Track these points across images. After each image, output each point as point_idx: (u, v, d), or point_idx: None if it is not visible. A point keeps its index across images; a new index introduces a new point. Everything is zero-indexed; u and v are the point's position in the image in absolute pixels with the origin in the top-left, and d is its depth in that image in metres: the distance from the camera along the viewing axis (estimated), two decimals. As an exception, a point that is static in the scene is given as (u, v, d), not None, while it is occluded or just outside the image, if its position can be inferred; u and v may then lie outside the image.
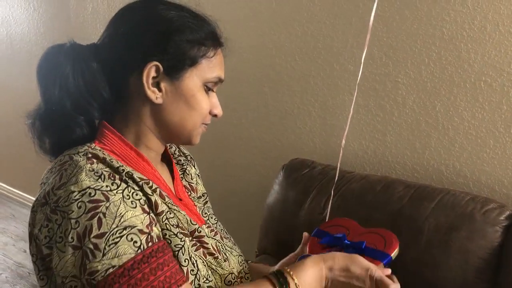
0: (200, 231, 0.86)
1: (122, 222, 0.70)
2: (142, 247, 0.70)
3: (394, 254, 0.89)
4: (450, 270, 1.32)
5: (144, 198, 0.76)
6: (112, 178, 0.74)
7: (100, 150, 0.79)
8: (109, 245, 0.68)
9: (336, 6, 1.72)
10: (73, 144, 0.80)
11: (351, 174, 1.61)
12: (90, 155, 0.76)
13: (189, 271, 0.78)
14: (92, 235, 0.68)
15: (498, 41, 1.42)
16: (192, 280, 0.78)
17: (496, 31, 1.42)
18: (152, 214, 0.76)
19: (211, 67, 0.84)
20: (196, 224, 0.86)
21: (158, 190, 0.81)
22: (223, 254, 0.90)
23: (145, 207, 0.75)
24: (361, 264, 0.81)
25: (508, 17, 1.39)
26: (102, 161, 0.76)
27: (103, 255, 0.68)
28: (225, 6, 2.02)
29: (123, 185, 0.74)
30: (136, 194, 0.75)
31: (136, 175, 0.78)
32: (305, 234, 1.01)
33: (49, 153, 0.83)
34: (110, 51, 0.82)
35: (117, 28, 0.83)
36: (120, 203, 0.71)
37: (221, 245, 0.91)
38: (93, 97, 0.80)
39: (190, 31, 0.82)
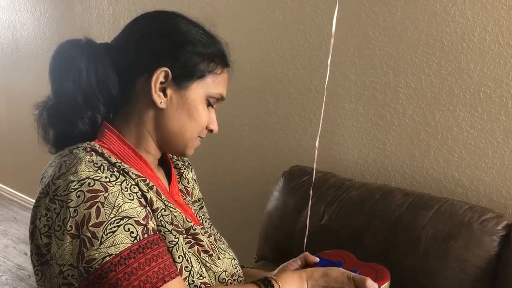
0: (195, 229, 0.88)
1: (120, 212, 0.72)
2: (138, 237, 0.73)
3: (383, 287, 0.92)
4: (447, 279, 1.33)
5: (140, 192, 0.79)
6: (111, 170, 0.76)
7: (99, 147, 0.81)
8: (107, 234, 0.70)
9: (338, 16, 1.74)
10: (74, 139, 0.82)
11: (350, 182, 1.62)
12: (89, 149, 0.78)
13: (183, 267, 0.80)
14: (90, 224, 0.70)
15: (498, 52, 1.44)
16: (186, 277, 0.80)
17: (495, 42, 1.44)
18: (148, 208, 0.78)
19: (216, 83, 0.87)
20: (191, 222, 0.88)
21: (154, 187, 0.83)
22: (217, 254, 0.91)
23: (142, 200, 0.78)
24: (338, 269, 0.88)
25: (507, 29, 1.41)
26: (101, 155, 0.79)
27: (101, 243, 0.70)
28: (228, 14, 2.05)
29: (122, 178, 0.77)
30: (134, 187, 0.78)
31: (133, 171, 0.81)
32: (307, 254, 1.02)
33: (51, 144, 0.85)
34: (123, 51, 0.85)
35: (133, 31, 0.87)
36: (119, 194, 0.74)
37: (215, 247, 0.93)
38: (102, 94, 0.83)
39: (202, 45, 0.85)
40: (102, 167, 0.75)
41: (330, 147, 1.85)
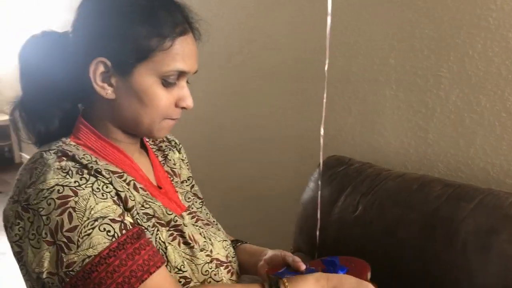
0: (177, 221, 0.85)
1: (93, 214, 0.71)
2: (116, 235, 0.71)
3: None
4: (488, 276, 1.23)
5: (114, 191, 0.76)
6: (80, 173, 0.74)
7: (74, 146, 0.80)
8: (82, 237, 0.70)
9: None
10: (50, 136, 0.81)
11: (388, 172, 1.54)
12: (60, 154, 0.76)
13: None
14: (64, 230, 0.70)
15: (549, 29, 1.30)
16: None
17: (546, 18, 1.30)
18: (121, 207, 0.76)
19: (166, 59, 0.78)
20: (172, 214, 0.85)
21: (132, 182, 0.81)
22: (207, 239, 0.89)
23: (116, 199, 0.76)
24: (352, 279, 0.80)
25: (561, 2, 1.28)
26: (72, 158, 0.76)
27: (78, 247, 0.69)
28: (265, 5, 2.02)
29: (92, 179, 0.74)
30: (107, 187, 0.75)
31: (109, 168, 0.79)
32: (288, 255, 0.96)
33: (33, 142, 0.86)
34: (73, 41, 0.81)
35: (76, 18, 0.82)
36: (90, 197, 0.72)
37: (205, 231, 0.91)
38: (61, 88, 0.81)
39: (140, 22, 0.77)
40: (70, 172, 0.73)
41: (370, 137, 1.78)
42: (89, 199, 0.72)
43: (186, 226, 0.88)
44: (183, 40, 0.79)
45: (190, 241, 0.85)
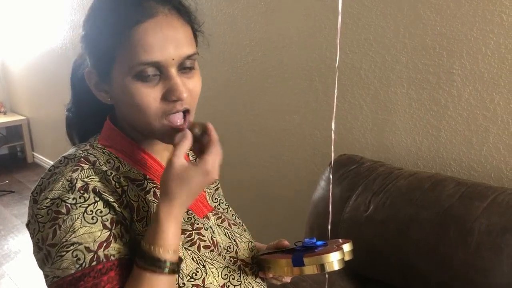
0: (198, 224, 0.85)
1: (71, 238, 0.72)
2: (83, 264, 0.72)
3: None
4: (502, 275, 1.21)
5: (112, 214, 0.75)
6: (82, 191, 0.74)
7: (101, 148, 0.82)
8: (57, 256, 0.72)
9: (387, -5, 1.65)
10: (86, 136, 0.88)
11: (399, 171, 1.53)
12: (82, 159, 0.78)
13: None
14: (47, 243, 0.73)
15: None
16: (176, 279, 0.78)
17: (561, 14, 1.28)
18: (116, 230, 0.75)
19: (128, 54, 0.72)
20: (193, 218, 0.85)
21: (152, 190, 0.81)
22: (232, 240, 0.89)
23: (107, 223, 0.75)
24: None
25: None
26: (92, 164, 0.78)
27: (52, 263, 0.72)
28: (276, 2, 2.01)
29: (91, 200, 0.74)
30: (101, 212, 0.75)
31: (130, 175, 0.80)
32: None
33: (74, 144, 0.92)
34: None
35: None
36: (78, 218, 0.73)
37: (230, 232, 0.90)
38: (94, 99, 0.84)
39: (100, 24, 0.74)
40: (74, 187, 0.74)
41: (381, 135, 1.77)
42: (76, 220, 0.72)
43: (207, 230, 0.86)
44: (145, 27, 0.72)
45: (210, 245, 0.85)
